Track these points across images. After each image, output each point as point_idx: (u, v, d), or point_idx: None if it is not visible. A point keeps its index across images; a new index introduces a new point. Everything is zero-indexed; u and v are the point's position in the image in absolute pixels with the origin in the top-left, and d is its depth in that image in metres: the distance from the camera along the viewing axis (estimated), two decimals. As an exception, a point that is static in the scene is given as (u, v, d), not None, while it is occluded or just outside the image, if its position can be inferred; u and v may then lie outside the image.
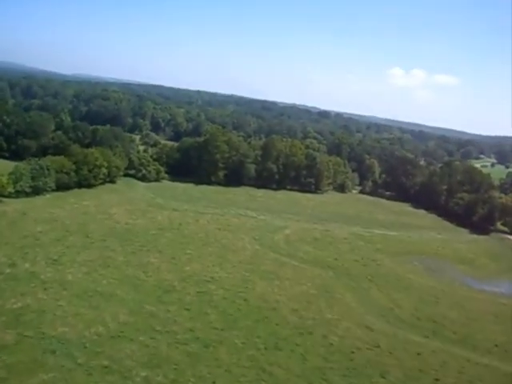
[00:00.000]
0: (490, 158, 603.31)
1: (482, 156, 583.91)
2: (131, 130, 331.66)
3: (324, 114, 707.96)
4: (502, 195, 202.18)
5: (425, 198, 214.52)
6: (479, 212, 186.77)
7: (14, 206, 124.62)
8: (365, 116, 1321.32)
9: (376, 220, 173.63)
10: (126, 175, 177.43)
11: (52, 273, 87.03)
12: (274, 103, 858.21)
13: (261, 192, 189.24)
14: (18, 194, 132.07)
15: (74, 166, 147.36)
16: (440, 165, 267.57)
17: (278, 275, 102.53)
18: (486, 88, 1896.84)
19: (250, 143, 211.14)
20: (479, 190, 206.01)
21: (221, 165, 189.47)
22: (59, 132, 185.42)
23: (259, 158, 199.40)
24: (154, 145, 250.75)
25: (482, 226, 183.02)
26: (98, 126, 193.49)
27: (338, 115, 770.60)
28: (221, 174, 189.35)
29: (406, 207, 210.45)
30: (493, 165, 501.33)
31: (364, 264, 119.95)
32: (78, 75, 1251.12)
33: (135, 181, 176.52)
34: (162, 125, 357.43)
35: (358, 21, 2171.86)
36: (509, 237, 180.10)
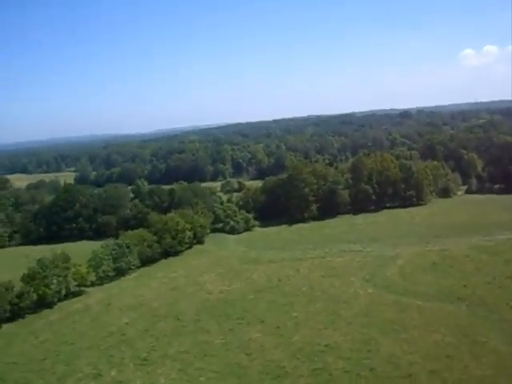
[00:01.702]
0: None
1: None
2: (214, 177, 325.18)
3: (405, 115, 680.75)
4: None
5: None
6: None
7: (97, 296, 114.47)
8: (446, 106, 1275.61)
9: (493, 223, 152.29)
10: (213, 230, 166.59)
11: (141, 378, 74.11)
12: (351, 115, 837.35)
13: (360, 218, 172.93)
14: (102, 280, 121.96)
15: (155, 237, 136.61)
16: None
17: (402, 324, 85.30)
18: None
19: (337, 168, 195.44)
20: None
21: (311, 198, 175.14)
22: (137, 200, 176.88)
23: (350, 181, 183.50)
24: (239, 189, 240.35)
25: None
26: (175, 186, 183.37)
27: (420, 111, 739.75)
28: (313, 207, 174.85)
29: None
30: None
31: (499, 286, 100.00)
32: (159, 132, 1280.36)
33: (224, 235, 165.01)
34: (244, 165, 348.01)
35: (422, 13, 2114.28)
36: None
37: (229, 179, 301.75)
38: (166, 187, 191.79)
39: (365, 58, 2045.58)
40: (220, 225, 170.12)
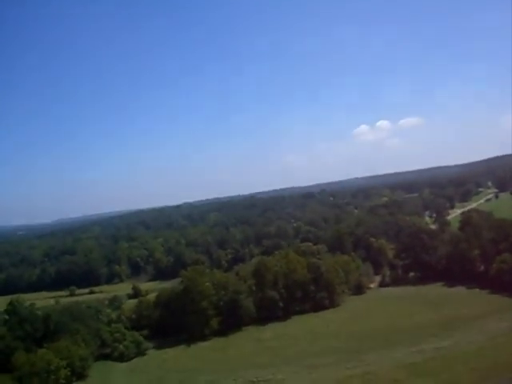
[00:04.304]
0: (488, 187, 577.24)
1: (480, 189, 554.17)
2: (109, 280, 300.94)
3: (308, 196, 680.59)
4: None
5: (457, 270, 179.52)
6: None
7: None
8: (347, 180, 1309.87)
9: (416, 326, 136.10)
10: (100, 358, 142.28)
11: None
12: (256, 198, 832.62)
13: (268, 330, 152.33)
14: None
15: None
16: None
17: None
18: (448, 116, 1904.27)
19: (238, 274, 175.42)
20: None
21: (211, 311, 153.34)
22: (4, 328, 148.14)
23: (254, 288, 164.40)
24: (134, 295, 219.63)
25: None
26: (50, 312, 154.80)
27: (323, 192, 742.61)
28: (214, 322, 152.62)
29: (441, 288, 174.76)
30: (497, 196, 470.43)
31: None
32: (60, 221, 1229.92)
33: (112, 364, 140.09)
34: (142, 264, 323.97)
35: (321, 92, 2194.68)
36: None
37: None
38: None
39: (262, 139, 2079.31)
40: (108, 350, 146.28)
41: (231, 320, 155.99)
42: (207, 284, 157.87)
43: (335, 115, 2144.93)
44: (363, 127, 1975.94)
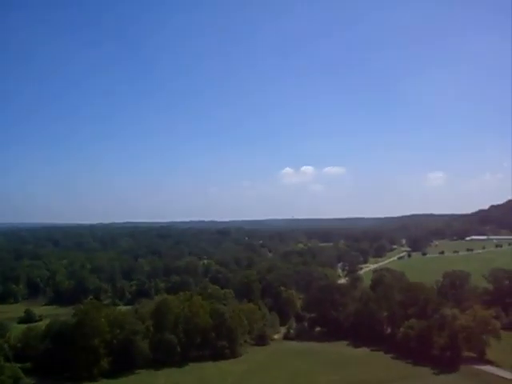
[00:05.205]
0: (401, 244, 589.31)
1: (394, 246, 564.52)
2: (3, 300, 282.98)
3: (224, 231, 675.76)
4: (455, 311, 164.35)
5: (364, 330, 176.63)
6: (437, 342, 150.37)
7: None
8: (266, 220, 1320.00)
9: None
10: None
11: None
12: (169, 227, 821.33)
13: (162, 376, 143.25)
14: None
15: None
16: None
17: None
18: (371, 169, 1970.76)
19: (137, 312, 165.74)
20: (426, 311, 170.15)
21: (103, 350, 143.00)
22: None
23: (152, 329, 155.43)
24: (27, 320, 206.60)
25: (446, 360, 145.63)
26: None
27: (239, 230, 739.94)
28: (104, 362, 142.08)
29: (345, 348, 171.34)
30: (409, 254, 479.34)
31: None
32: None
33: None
34: (42, 285, 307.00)
35: (247, 129, 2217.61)
36: (483, 368, 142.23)
37: (21, 302, 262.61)
38: None
39: (188, 171, 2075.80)
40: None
41: (124, 361, 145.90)
42: (102, 320, 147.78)
43: (261, 155, 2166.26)
44: (288, 170, 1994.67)
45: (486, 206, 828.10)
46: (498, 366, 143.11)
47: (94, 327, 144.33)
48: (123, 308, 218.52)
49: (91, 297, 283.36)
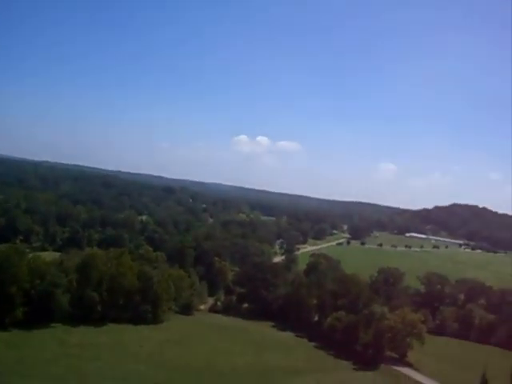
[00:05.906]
0: (342, 230, 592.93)
1: (335, 231, 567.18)
2: None
3: (169, 190, 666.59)
4: (385, 309, 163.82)
5: (292, 315, 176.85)
6: (362, 338, 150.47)
7: None
8: (212, 183, 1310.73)
9: (233, 369, 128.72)
10: None
11: None
12: (116, 177, 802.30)
13: (77, 333, 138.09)
14: None
15: None
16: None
17: None
18: (325, 151, 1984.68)
19: (61, 264, 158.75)
20: (357, 305, 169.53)
21: (19, 300, 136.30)
22: None
23: (75, 284, 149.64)
24: None
25: (367, 357, 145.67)
26: None
27: (184, 190, 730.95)
28: (19, 312, 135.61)
29: (270, 330, 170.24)
30: (349, 242, 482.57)
31: None
32: None
33: None
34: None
35: (208, 85, 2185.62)
36: (402, 370, 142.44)
37: None
38: None
39: (138, 123, 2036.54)
40: None
41: (40, 314, 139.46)
42: (23, 268, 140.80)
43: (219, 117, 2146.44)
44: (243, 137, 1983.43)
45: (430, 206, 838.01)
46: (416, 369, 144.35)
47: (13, 274, 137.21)
48: (51, 254, 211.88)
49: (21, 237, 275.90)
